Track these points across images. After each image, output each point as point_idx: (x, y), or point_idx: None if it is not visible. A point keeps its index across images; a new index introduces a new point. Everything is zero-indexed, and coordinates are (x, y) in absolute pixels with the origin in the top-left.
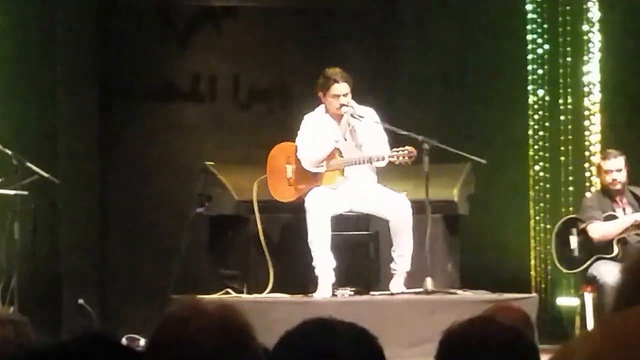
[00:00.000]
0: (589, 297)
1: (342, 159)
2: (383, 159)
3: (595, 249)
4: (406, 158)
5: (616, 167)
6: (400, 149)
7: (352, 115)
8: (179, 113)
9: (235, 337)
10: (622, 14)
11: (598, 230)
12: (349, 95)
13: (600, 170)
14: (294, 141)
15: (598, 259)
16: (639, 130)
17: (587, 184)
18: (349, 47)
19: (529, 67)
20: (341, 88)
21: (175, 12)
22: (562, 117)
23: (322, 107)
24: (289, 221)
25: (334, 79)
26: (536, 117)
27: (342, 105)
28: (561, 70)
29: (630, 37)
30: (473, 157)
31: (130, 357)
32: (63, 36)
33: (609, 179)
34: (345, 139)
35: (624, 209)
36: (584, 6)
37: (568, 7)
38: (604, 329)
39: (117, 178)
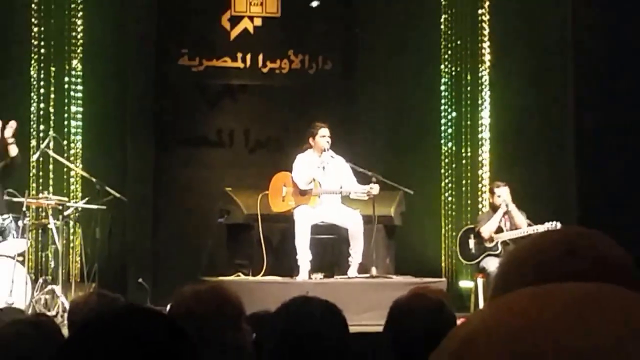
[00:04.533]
0: (480, 282)
1: (321, 189)
2: (348, 193)
3: (486, 249)
4: (365, 197)
5: (504, 192)
6: (363, 191)
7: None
8: (209, 155)
9: (223, 310)
10: (507, 88)
11: (485, 229)
12: (328, 138)
13: (493, 195)
14: (289, 172)
15: (487, 255)
16: (518, 167)
17: (480, 205)
18: (321, 112)
19: (442, 128)
20: (326, 131)
21: (208, 88)
22: (463, 161)
23: (310, 150)
24: (282, 227)
25: (321, 125)
26: (447, 160)
27: (327, 142)
28: (463, 130)
29: (511, 111)
30: (404, 188)
31: (160, 320)
32: (132, 104)
33: (499, 201)
34: (324, 168)
35: (505, 223)
36: (479, 82)
37: (469, 88)
38: (487, 307)
39: (165, 198)
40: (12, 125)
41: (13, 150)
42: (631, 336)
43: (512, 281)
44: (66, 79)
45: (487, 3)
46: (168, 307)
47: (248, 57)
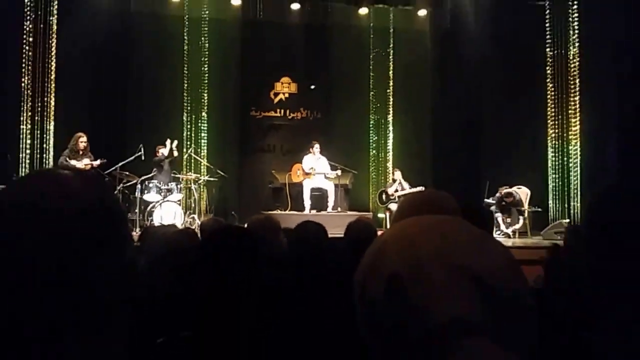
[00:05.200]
0: (387, 215)
1: (315, 172)
2: (327, 174)
3: (389, 199)
4: (334, 175)
5: (398, 174)
6: (334, 174)
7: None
8: (264, 155)
9: (272, 225)
10: (401, 125)
11: (390, 190)
12: (318, 148)
13: (393, 174)
14: (300, 163)
15: (390, 202)
16: (406, 160)
17: (388, 179)
18: (315, 136)
19: (370, 143)
20: (317, 145)
21: (263, 126)
22: (380, 159)
23: (310, 154)
24: (297, 189)
25: (315, 143)
26: (372, 159)
27: (317, 150)
28: (380, 145)
29: (402, 135)
30: (352, 171)
31: (245, 235)
32: (229, 133)
33: (396, 178)
34: (316, 162)
35: (398, 187)
36: (387, 123)
37: (382, 126)
38: (391, 227)
39: (244, 175)
40: (175, 142)
41: (175, 153)
42: (475, 239)
43: (401, 215)
44: (199, 121)
45: (391, 83)
46: (246, 224)
47: (282, 111)
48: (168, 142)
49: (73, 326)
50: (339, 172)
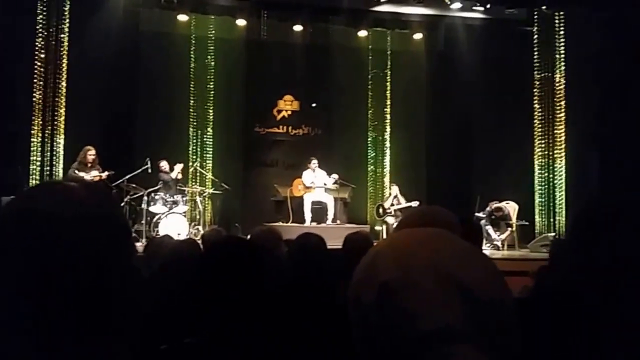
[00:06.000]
0: (384, 227)
1: (314, 185)
2: (326, 186)
3: (386, 213)
4: (334, 187)
5: (395, 189)
6: (333, 186)
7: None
8: (267, 170)
9: (274, 237)
10: (400, 147)
11: (386, 204)
12: (316, 164)
13: (390, 189)
14: (300, 178)
15: (387, 215)
16: (400, 176)
17: (386, 193)
18: (314, 152)
19: (368, 159)
20: (315, 161)
21: (267, 141)
22: (377, 174)
23: (309, 169)
24: (298, 202)
25: (312, 159)
26: (370, 174)
27: (315, 165)
28: (378, 161)
29: (401, 153)
30: (351, 185)
31: (244, 245)
32: (234, 148)
33: (392, 193)
34: (315, 177)
35: (394, 201)
36: (384, 140)
37: (378, 143)
38: (388, 237)
39: (247, 189)
40: (181, 166)
41: (179, 176)
42: (462, 251)
43: (401, 226)
44: (205, 136)
45: (388, 102)
46: (249, 236)
47: (285, 127)
48: (176, 166)
49: (78, 327)
50: (336, 176)
